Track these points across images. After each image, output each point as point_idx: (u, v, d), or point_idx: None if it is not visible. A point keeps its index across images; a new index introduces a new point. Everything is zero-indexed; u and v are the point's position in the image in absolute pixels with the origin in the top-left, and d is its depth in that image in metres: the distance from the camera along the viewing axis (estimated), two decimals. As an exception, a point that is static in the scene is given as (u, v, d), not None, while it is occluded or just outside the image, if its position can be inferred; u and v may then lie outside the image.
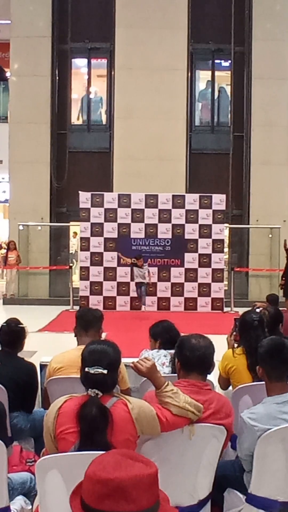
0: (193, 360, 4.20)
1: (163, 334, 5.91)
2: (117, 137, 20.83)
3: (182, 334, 4.99)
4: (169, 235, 18.09)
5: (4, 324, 5.94)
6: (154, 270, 17.81)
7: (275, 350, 4.29)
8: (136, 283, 16.78)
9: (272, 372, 4.24)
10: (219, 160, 21.22)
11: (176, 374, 4.41)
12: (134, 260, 16.70)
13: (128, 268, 17.48)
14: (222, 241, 18.55)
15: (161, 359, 5.55)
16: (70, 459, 3.37)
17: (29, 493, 4.33)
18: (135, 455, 2.15)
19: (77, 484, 2.18)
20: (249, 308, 6.52)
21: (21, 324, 5.93)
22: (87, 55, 21.84)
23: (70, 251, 21.84)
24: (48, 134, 20.94)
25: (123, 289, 17.75)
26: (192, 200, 18.14)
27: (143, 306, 16.34)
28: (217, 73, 22.12)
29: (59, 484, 3.30)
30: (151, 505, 2.04)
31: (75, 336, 5.61)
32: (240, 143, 21.06)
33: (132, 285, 17.43)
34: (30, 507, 4.22)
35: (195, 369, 4.20)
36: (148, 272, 16.68)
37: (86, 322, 5.55)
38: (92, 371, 3.56)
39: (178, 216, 18.07)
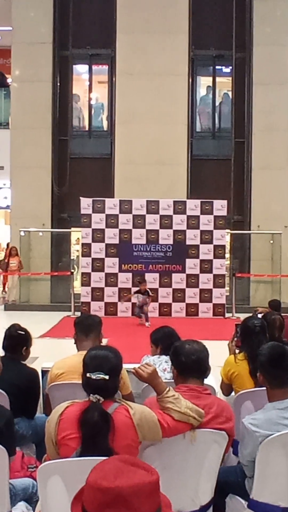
0: (189, 364, 4.21)
1: (164, 340, 5.90)
2: (118, 142, 20.85)
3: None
4: (171, 241, 18.10)
5: (7, 329, 5.94)
6: (156, 276, 17.83)
7: (275, 358, 4.29)
8: (138, 306, 16.72)
9: (273, 379, 4.24)
10: (220, 165, 21.23)
11: (174, 380, 4.41)
12: (138, 289, 16.70)
13: (130, 274, 17.51)
14: (223, 247, 18.55)
15: (162, 365, 5.55)
16: (71, 465, 3.37)
17: (31, 499, 4.32)
18: (136, 462, 2.15)
19: (79, 491, 2.18)
20: (251, 314, 6.51)
21: (24, 330, 5.92)
22: (88, 61, 21.87)
23: (72, 257, 21.84)
24: (49, 140, 20.97)
25: (124, 295, 17.74)
26: (193, 206, 18.15)
27: (147, 322, 16.18)
28: (218, 79, 22.14)
29: (61, 490, 3.31)
30: (153, 512, 2.04)
31: (74, 343, 5.61)
32: (241, 148, 21.07)
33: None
34: (32, 512, 4.21)
35: (192, 373, 4.21)
36: (149, 294, 16.64)
37: (86, 327, 5.55)
38: (93, 377, 3.56)
39: (179, 222, 18.08)
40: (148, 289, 16.68)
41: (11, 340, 5.82)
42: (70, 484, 3.18)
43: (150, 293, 16.73)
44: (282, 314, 7.52)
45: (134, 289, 17.21)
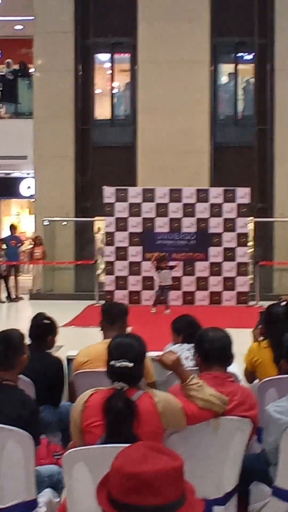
0: (213, 352, 4.22)
1: (185, 329, 5.91)
2: (140, 131, 20.81)
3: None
4: (194, 229, 18.08)
5: (33, 318, 5.99)
6: (179, 264, 17.79)
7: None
8: (160, 286, 16.59)
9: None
10: (243, 153, 21.16)
11: (198, 368, 4.42)
12: (156, 262, 16.56)
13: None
14: (246, 234, 18.50)
15: (184, 353, 5.55)
16: (96, 451, 3.40)
17: (57, 485, 4.36)
18: (161, 448, 2.16)
19: (104, 477, 2.20)
20: (274, 302, 6.50)
21: (50, 319, 5.96)
22: (110, 50, 21.84)
23: (98, 247, 21.86)
24: (72, 129, 20.98)
25: (148, 283, 17.75)
26: (216, 194, 18.11)
27: (167, 310, 16.04)
28: (240, 66, 22.02)
29: (86, 476, 3.34)
30: (178, 498, 2.05)
31: (101, 330, 5.63)
32: (264, 136, 20.96)
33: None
34: (58, 499, 4.25)
35: (216, 361, 4.22)
36: (171, 268, 16.51)
37: (112, 316, 5.58)
38: (118, 364, 3.58)
39: (202, 210, 18.05)
40: (169, 265, 16.55)
41: (37, 329, 5.86)
42: (95, 470, 3.21)
43: (173, 266, 16.64)
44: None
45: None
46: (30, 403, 4.28)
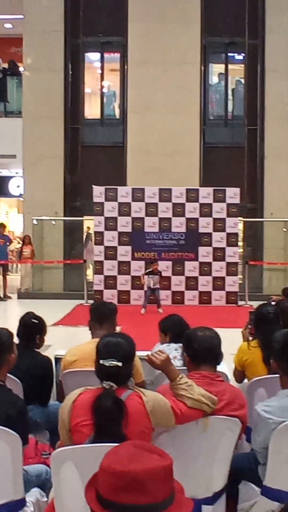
0: (202, 352, 4.21)
1: (173, 328, 5.92)
2: (130, 131, 20.82)
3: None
4: (183, 229, 18.09)
5: (22, 317, 5.96)
6: (168, 264, 17.83)
7: (290, 345, 4.27)
8: (150, 288, 16.56)
9: (287, 366, 4.22)
10: (233, 153, 21.19)
11: (187, 368, 4.41)
12: (148, 268, 16.63)
13: (142, 262, 17.47)
14: (236, 234, 18.53)
15: (172, 353, 5.54)
16: (85, 451, 3.38)
17: (45, 485, 4.35)
18: (150, 447, 2.15)
19: (92, 476, 2.18)
20: (264, 302, 6.50)
21: (39, 318, 5.94)
22: (100, 49, 21.84)
23: (85, 233, 21.84)
24: (61, 129, 20.98)
25: (137, 283, 17.73)
26: (206, 194, 18.12)
27: (160, 309, 16.11)
28: (230, 66, 22.08)
29: (74, 476, 3.32)
30: (167, 497, 2.04)
31: (89, 329, 5.62)
32: (254, 136, 21.01)
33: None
34: (46, 499, 4.23)
35: (204, 360, 4.21)
36: (161, 275, 16.59)
37: (101, 315, 5.56)
38: (107, 364, 3.56)
39: (192, 210, 18.06)
40: (159, 270, 16.62)
41: (25, 328, 5.84)
42: (84, 470, 3.19)
43: (162, 274, 16.70)
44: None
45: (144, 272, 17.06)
46: (18, 403, 4.25)
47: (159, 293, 16.57)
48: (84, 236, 22.00)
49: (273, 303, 6.53)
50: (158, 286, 16.51)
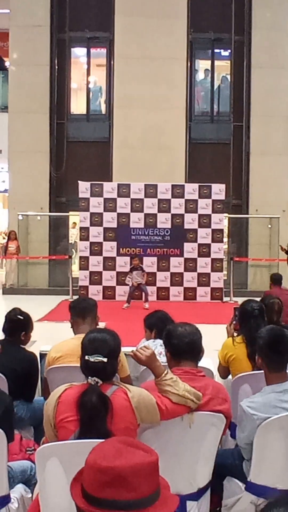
0: (182, 347, 4.21)
1: (158, 324, 5.92)
2: (116, 126, 20.79)
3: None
4: (169, 225, 18.08)
5: (7, 313, 5.95)
6: (154, 260, 17.83)
7: (274, 341, 4.29)
8: (135, 284, 16.58)
9: (272, 362, 4.24)
10: (218, 149, 21.21)
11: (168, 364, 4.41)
12: (131, 267, 16.63)
13: (128, 258, 17.45)
14: (221, 231, 18.54)
15: (158, 349, 5.54)
16: (70, 447, 3.38)
17: (29, 481, 4.34)
18: (135, 443, 2.15)
19: (78, 472, 2.18)
20: (249, 298, 6.52)
21: (25, 314, 5.92)
22: (86, 44, 21.78)
23: (70, 241, 21.85)
24: (47, 124, 20.92)
25: (122, 278, 17.72)
26: (191, 190, 18.13)
27: (146, 303, 16.13)
28: (216, 62, 22.10)
29: (59, 472, 3.31)
30: (152, 493, 2.04)
31: (71, 327, 5.62)
32: (240, 132, 21.05)
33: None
34: (30, 495, 4.23)
35: (185, 356, 4.21)
36: (143, 270, 16.58)
37: (82, 310, 5.57)
38: (92, 359, 3.56)
39: (177, 206, 18.06)
40: (141, 265, 16.62)
41: (10, 324, 5.83)
42: (69, 466, 3.18)
43: (144, 269, 16.69)
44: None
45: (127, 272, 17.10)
46: (4, 399, 4.25)
47: (146, 289, 16.56)
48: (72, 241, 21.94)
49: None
50: (143, 281, 16.51)
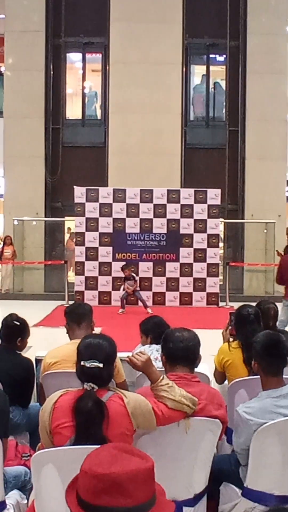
0: (176, 352, 4.20)
1: (154, 329, 5.90)
2: (112, 131, 20.80)
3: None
4: (164, 230, 18.07)
5: (4, 319, 5.94)
6: (149, 265, 17.82)
7: (270, 346, 4.28)
8: (130, 290, 16.59)
9: (268, 368, 4.23)
10: (214, 154, 21.22)
11: (163, 368, 4.41)
12: (123, 277, 16.60)
13: (123, 263, 17.40)
14: (217, 235, 18.55)
15: (154, 354, 5.54)
16: (65, 453, 3.37)
17: (24, 487, 4.33)
18: (131, 449, 2.14)
19: (73, 479, 2.17)
20: (245, 303, 6.51)
21: (21, 320, 5.91)
22: (82, 50, 21.79)
23: (65, 246, 21.83)
24: (42, 129, 20.92)
25: (118, 284, 17.71)
26: (187, 195, 18.12)
27: (148, 309, 16.10)
28: (212, 67, 22.13)
29: (55, 478, 3.30)
30: (148, 499, 2.03)
31: (67, 332, 5.61)
32: (235, 137, 21.06)
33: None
34: (26, 501, 4.21)
35: (179, 361, 4.20)
36: (134, 279, 16.55)
37: (78, 315, 5.56)
38: (88, 365, 3.55)
39: (173, 211, 18.05)
40: (132, 274, 16.60)
41: (6, 330, 5.82)
42: (64, 472, 3.17)
43: (136, 277, 16.66)
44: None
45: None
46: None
47: (140, 295, 16.56)
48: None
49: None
50: (138, 288, 16.50)
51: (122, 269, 16.71)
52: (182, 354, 4.20)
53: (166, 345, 4.29)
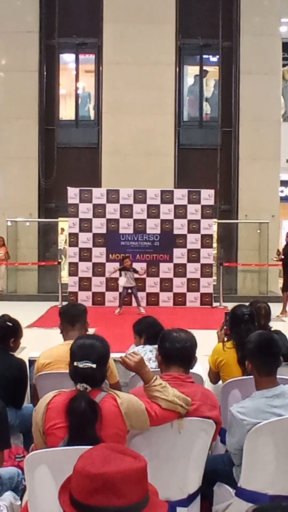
0: (172, 352, 4.20)
1: (147, 330, 5.91)
2: (105, 132, 20.80)
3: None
4: (158, 231, 18.08)
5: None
6: (143, 265, 17.79)
7: (264, 345, 4.28)
8: (124, 287, 16.61)
9: (262, 367, 4.23)
10: (207, 155, 21.24)
11: (159, 367, 4.40)
12: (122, 267, 16.57)
13: (117, 264, 17.39)
14: (210, 236, 18.55)
15: (147, 355, 5.55)
16: (59, 454, 3.36)
17: (17, 488, 4.32)
18: (123, 449, 2.14)
19: (66, 479, 2.17)
20: (239, 303, 6.51)
21: (14, 321, 5.90)
22: (75, 50, 21.79)
23: (59, 247, 21.82)
24: (36, 130, 20.90)
25: (112, 284, 17.72)
26: (180, 195, 18.13)
27: (141, 308, 16.13)
28: (205, 68, 22.15)
29: (48, 479, 3.29)
30: (141, 499, 2.03)
31: (60, 333, 5.60)
32: (229, 138, 21.09)
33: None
34: (19, 502, 4.20)
35: (175, 361, 4.20)
36: (136, 271, 16.53)
37: (72, 316, 5.56)
38: (81, 365, 3.54)
39: (166, 211, 18.06)
40: (133, 267, 16.59)
41: (0, 331, 5.81)
42: (58, 473, 3.17)
43: (136, 269, 16.65)
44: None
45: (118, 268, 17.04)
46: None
47: (136, 293, 16.55)
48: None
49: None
50: (134, 284, 16.48)
51: (123, 259, 16.64)
52: (177, 354, 4.20)
53: (162, 344, 4.29)
